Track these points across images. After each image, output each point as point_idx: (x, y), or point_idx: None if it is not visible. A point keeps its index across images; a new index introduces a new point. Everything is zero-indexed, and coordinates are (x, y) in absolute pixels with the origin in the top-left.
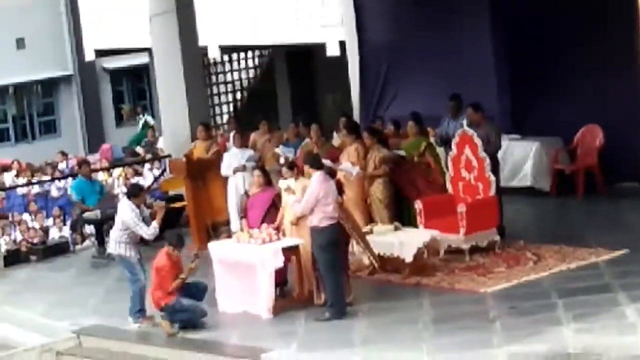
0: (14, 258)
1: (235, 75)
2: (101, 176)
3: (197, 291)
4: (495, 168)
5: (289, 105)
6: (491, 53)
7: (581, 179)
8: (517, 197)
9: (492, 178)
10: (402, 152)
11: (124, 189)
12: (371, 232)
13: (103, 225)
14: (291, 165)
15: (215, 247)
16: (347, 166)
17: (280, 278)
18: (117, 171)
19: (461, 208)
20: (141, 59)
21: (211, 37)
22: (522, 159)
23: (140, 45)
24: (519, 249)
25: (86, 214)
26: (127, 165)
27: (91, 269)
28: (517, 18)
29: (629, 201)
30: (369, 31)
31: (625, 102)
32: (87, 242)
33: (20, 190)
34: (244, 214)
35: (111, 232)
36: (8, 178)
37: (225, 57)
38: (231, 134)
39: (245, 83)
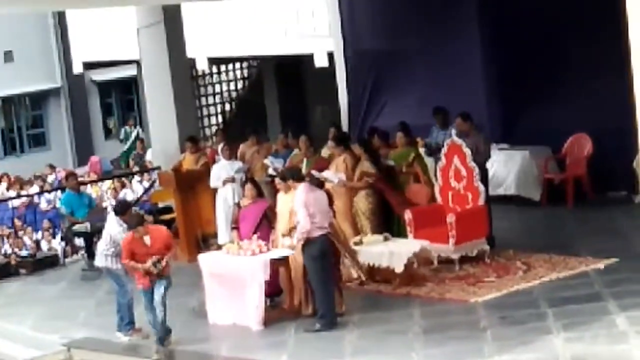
0: (4, 271)
1: (224, 86)
2: (90, 189)
3: None
4: (484, 177)
5: (278, 116)
6: (480, 62)
7: (570, 187)
8: (506, 207)
9: (482, 188)
10: (391, 162)
11: (113, 202)
12: (361, 242)
13: (93, 238)
14: (284, 177)
15: (205, 259)
16: (329, 174)
17: (272, 289)
18: (106, 184)
19: (450, 218)
20: (130, 71)
21: (199, 48)
22: (511, 168)
23: (128, 57)
24: (508, 258)
25: (75, 227)
26: (116, 178)
27: (81, 281)
28: (505, 28)
29: (619, 210)
30: (357, 41)
31: (614, 111)
32: (77, 255)
33: (10, 204)
34: (235, 224)
35: (98, 244)
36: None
37: (214, 69)
38: (219, 146)
39: (233, 94)
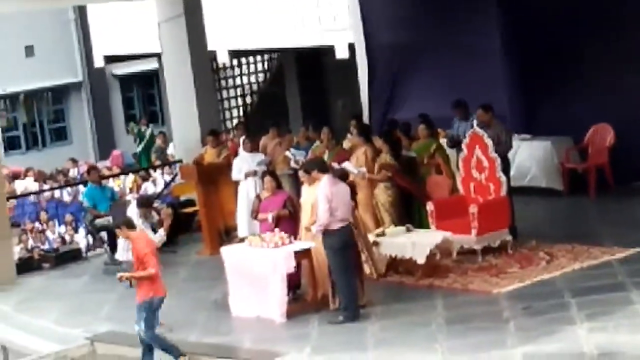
0: (27, 265)
1: (245, 79)
2: (111, 182)
3: None
4: (506, 168)
5: (299, 109)
6: (500, 53)
7: (593, 178)
8: (528, 197)
9: (503, 178)
10: (412, 154)
11: (135, 195)
12: (383, 234)
13: (115, 232)
14: (307, 169)
15: (228, 252)
16: (349, 166)
17: (294, 282)
18: (129, 177)
19: (473, 209)
20: (151, 65)
21: (220, 41)
22: (533, 158)
23: (149, 50)
24: (531, 248)
25: (98, 220)
26: (138, 171)
27: (104, 275)
28: (525, 18)
29: None
30: (377, 33)
31: (636, 101)
32: (100, 249)
33: (33, 198)
34: (255, 215)
35: (119, 239)
36: (21, 186)
37: (235, 62)
38: (241, 139)
39: (254, 87)
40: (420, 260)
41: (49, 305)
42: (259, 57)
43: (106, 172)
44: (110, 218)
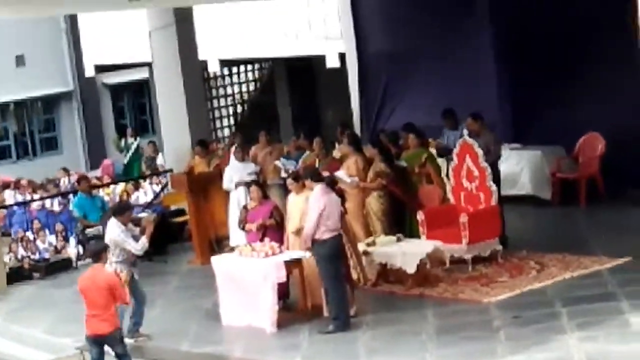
0: (18, 275)
1: (236, 88)
2: (102, 192)
3: None
4: (497, 177)
5: (290, 118)
6: (492, 63)
7: (583, 187)
8: (519, 207)
9: (494, 187)
10: (403, 163)
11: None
12: (374, 243)
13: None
14: (296, 177)
15: (219, 261)
16: (342, 175)
17: (282, 291)
18: (119, 187)
19: (463, 218)
20: (141, 74)
21: (211, 50)
22: (524, 168)
23: (140, 60)
24: (521, 258)
25: (88, 230)
26: (129, 181)
27: None
28: (517, 26)
29: (632, 209)
30: (368, 42)
31: (626, 110)
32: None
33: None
34: (242, 225)
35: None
36: (10, 196)
37: (225, 71)
38: (232, 148)
39: (245, 96)
40: (411, 269)
41: (39, 315)
42: (249, 67)
43: (97, 182)
44: (100, 228)
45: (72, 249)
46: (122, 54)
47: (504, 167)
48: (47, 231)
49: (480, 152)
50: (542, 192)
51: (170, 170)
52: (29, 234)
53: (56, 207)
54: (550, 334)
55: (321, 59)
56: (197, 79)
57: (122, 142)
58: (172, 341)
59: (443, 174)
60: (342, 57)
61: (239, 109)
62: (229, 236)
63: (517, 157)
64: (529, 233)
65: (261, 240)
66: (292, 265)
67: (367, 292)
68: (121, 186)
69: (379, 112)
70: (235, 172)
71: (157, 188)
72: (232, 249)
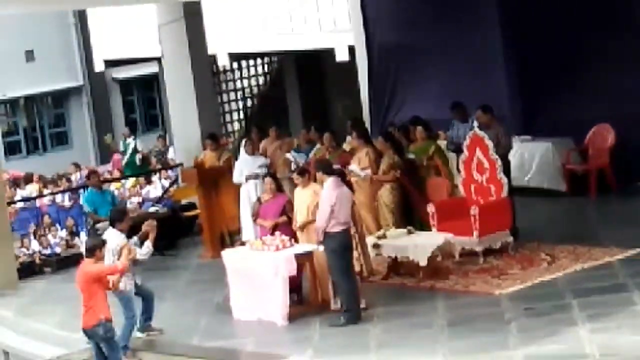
0: (29, 270)
1: (245, 82)
2: (112, 186)
3: None
4: (507, 169)
5: (300, 111)
6: (501, 54)
7: (593, 178)
8: (529, 198)
9: (504, 180)
10: (411, 156)
11: (135, 199)
12: (384, 236)
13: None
14: (302, 172)
15: (229, 255)
16: (355, 168)
17: (295, 284)
18: (129, 181)
19: (474, 210)
20: (151, 68)
21: (220, 44)
22: (534, 159)
23: (149, 54)
24: (532, 250)
25: (99, 225)
26: (139, 176)
27: None
28: (526, 18)
29: None
30: (377, 35)
31: (636, 101)
32: None
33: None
34: (255, 218)
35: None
36: (25, 193)
37: (235, 65)
38: (242, 141)
39: (255, 90)
40: (422, 262)
41: (50, 310)
42: (259, 60)
43: (107, 177)
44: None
45: (83, 244)
46: (131, 49)
47: (514, 159)
48: (58, 226)
49: (490, 144)
50: (553, 183)
51: (181, 165)
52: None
53: (67, 202)
54: (561, 325)
55: (330, 52)
56: (206, 73)
57: (121, 144)
58: (183, 335)
59: (453, 167)
60: (351, 50)
61: (249, 103)
62: (240, 230)
63: (528, 149)
64: (539, 225)
65: (272, 233)
66: (303, 258)
67: (377, 284)
68: (131, 181)
69: (388, 105)
70: (246, 165)
71: (165, 182)
72: (243, 243)
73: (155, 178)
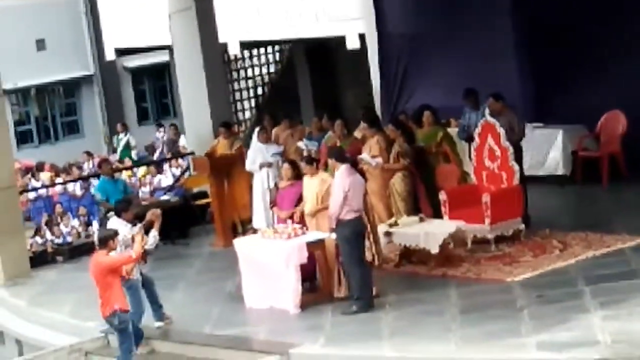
0: (41, 259)
1: (256, 70)
2: (123, 175)
3: None
4: (519, 157)
5: (311, 99)
6: (512, 41)
7: (605, 165)
8: (541, 186)
9: (516, 167)
10: (421, 144)
11: (146, 189)
12: (396, 224)
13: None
14: (309, 160)
15: (241, 243)
16: (366, 157)
17: (309, 272)
18: (140, 170)
19: (485, 198)
20: (162, 57)
21: (231, 33)
22: (546, 147)
23: (160, 43)
24: (544, 237)
25: (111, 214)
26: (150, 164)
27: None
28: (537, 5)
29: None
30: (388, 23)
31: None
32: None
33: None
34: (273, 204)
35: None
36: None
37: (246, 53)
38: (255, 130)
39: (266, 78)
40: (434, 250)
41: (63, 299)
42: (270, 49)
43: (119, 165)
44: None
45: (96, 232)
46: (142, 37)
47: (525, 146)
48: (70, 215)
49: (502, 131)
50: (565, 171)
51: (192, 153)
52: (53, 218)
53: (78, 191)
54: (573, 312)
55: (341, 40)
56: (217, 62)
57: (115, 139)
58: (195, 324)
59: (465, 155)
60: (362, 38)
61: (260, 91)
62: (251, 219)
63: (539, 136)
64: (551, 212)
65: (284, 221)
66: (315, 246)
67: (389, 272)
68: (142, 170)
69: (399, 93)
70: (259, 153)
71: (176, 171)
72: (254, 231)
73: (166, 167)
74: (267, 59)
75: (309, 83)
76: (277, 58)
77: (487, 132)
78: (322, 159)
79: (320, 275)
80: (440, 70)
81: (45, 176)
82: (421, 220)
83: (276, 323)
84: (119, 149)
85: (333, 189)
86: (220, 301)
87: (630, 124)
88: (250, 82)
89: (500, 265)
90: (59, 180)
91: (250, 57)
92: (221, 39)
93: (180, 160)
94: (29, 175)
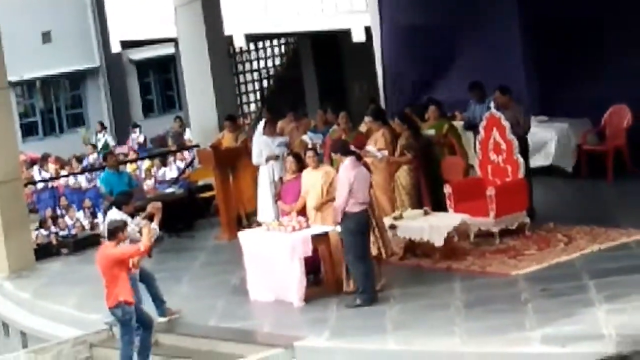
0: (46, 251)
1: (262, 63)
2: (129, 168)
3: None
4: (525, 150)
5: (316, 92)
6: (518, 34)
7: (610, 159)
8: (546, 179)
9: (521, 160)
10: (431, 131)
11: (150, 182)
12: (401, 217)
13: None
14: (316, 153)
15: (246, 236)
16: (372, 149)
17: (314, 266)
18: (145, 163)
19: (490, 191)
20: (167, 50)
21: (236, 26)
22: (551, 140)
23: (166, 35)
24: (549, 230)
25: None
26: (155, 157)
27: None
28: (543, 0)
29: None
30: (394, 17)
31: None
32: None
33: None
34: (277, 197)
35: None
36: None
37: (251, 46)
38: (260, 123)
39: (271, 71)
40: (438, 243)
41: (67, 291)
42: (275, 41)
43: (123, 158)
44: None
45: (101, 225)
46: (148, 30)
47: (531, 139)
48: (74, 207)
49: (507, 124)
50: (570, 165)
51: (197, 146)
52: (58, 210)
53: (83, 184)
54: (578, 306)
55: (347, 33)
56: (222, 54)
57: (93, 137)
58: (199, 316)
59: (470, 148)
60: (368, 31)
61: (265, 83)
62: (257, 211)
63: (544, 130)
64: (556, 205)
65: (288, 214)
66: (319, 239)
67: (394, 265)
68: (147, 163)
69: (404, 86)
70: (265, 146)
71: (180, 164)
72: (259, 224)
73: (170, 160)
74: (273, 52)
75: (315, 76)
76: (283, 51)
77: (492, 125)
78: (326, 152)
79: (325, 268)
80: (446, 64)
81: (50, 168)
82: (426, 213)
83: (281, 316)
84: (99, 149)
85: (338, 182)
86: (225, 294)
87: (635, 118)
88: (255, 75)
89: (505, 258)
90: (63, 172)
91: (256, 49)
92: (227, 32)
93: (185, 153)
94: (37, 167)
